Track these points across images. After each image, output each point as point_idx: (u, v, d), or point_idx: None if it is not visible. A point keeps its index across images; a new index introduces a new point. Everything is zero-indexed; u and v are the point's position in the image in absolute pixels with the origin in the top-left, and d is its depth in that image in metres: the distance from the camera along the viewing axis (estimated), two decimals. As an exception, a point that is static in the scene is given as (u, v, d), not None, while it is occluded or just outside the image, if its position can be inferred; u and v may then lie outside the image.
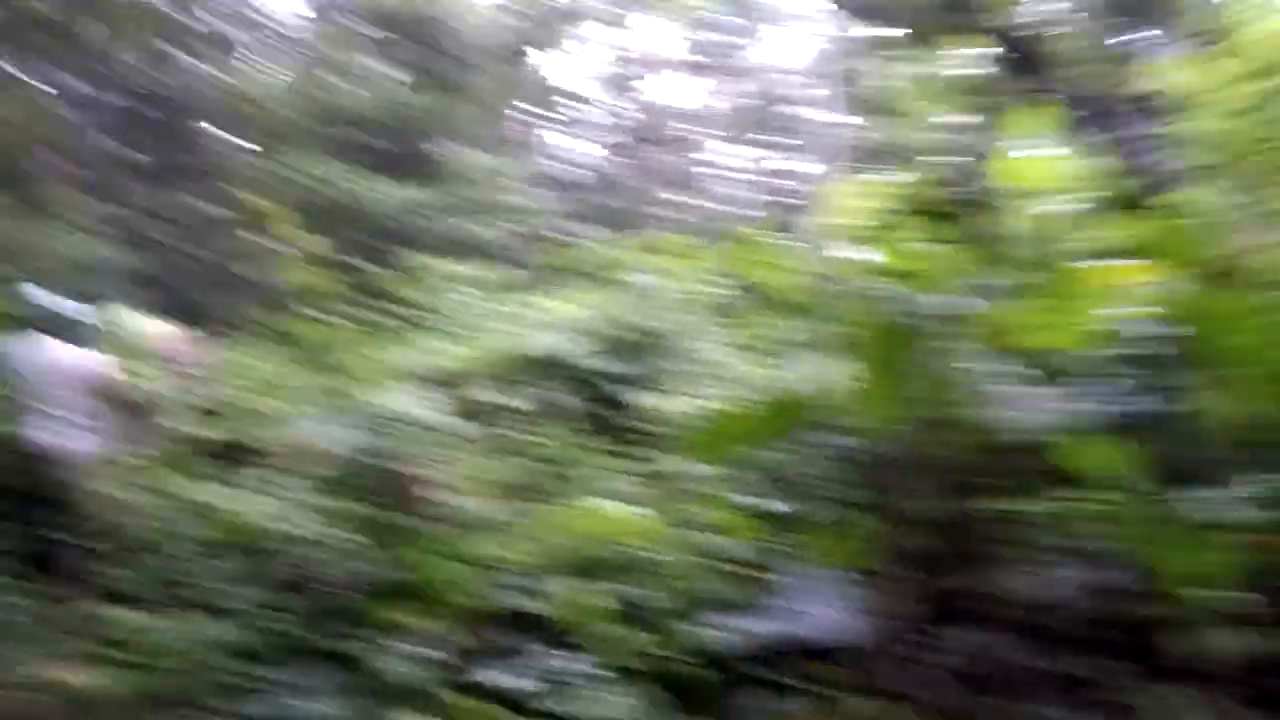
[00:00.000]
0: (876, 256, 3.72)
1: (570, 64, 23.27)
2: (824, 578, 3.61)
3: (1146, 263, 3.28)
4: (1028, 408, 3.07)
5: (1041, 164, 3.98)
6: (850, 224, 4.29)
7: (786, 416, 3.52)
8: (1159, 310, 3.17)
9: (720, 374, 5.95)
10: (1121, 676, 3.04)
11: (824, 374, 3.68)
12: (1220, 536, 2.85)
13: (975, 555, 3.29)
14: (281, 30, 18.73)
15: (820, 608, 3.57)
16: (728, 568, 4.01)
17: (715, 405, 4.81)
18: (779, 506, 3.79)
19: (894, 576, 3.41)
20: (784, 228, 7.91)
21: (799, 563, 3.70)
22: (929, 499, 3.30)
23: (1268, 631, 2.83)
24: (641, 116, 24.57)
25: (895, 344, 3.34)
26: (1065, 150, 4.11)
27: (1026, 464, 3.11)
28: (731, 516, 4.02)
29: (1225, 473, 3.01)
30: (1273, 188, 3.74)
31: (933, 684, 3.22)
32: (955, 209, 4.13)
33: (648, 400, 5.99)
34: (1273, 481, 2.91)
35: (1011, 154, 4.01)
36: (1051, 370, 3.22)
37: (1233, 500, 2.90)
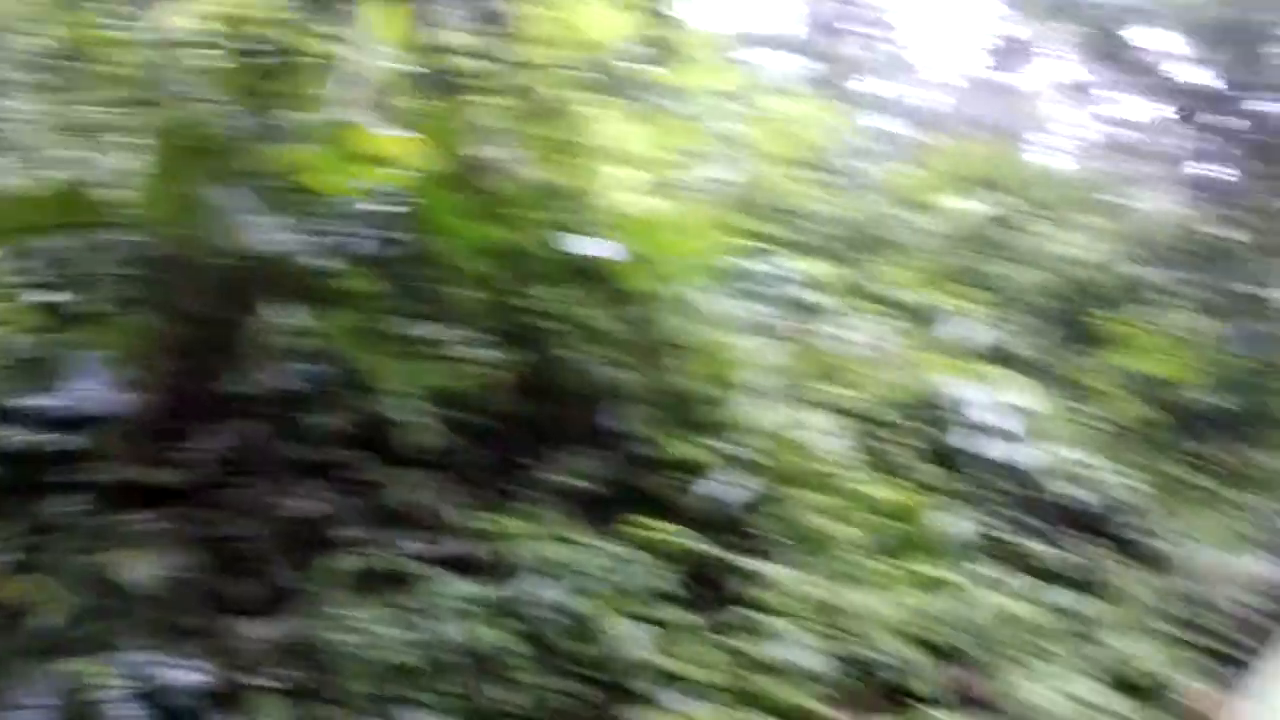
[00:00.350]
0: (213, 63, 3.85)
1: None
2: (102, 365, 3.64)
3: (414, 143, 3.89)
4: (286, 234, 3.48)
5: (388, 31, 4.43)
6: (204, 25, 4.27)
7: (77, 208, 3.47)
8: (411, 181, 3.84)
9: (19, 147, 5.12)
10: (363, 462, 3.64)
11: (125, 166, 3.69)
12: (438, 361, 3.67)
13: (235, 353, 3.63)
14: None
15: (98, 392, 3.60)
16: (10, 359, 3.85)
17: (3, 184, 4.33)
18: (63, 297, 3.73)
19: (164, 367, 3.63)
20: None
21: (80, 351, 3.70)
22: (201, 300, 3.55)
23: (470, 433, 3.72)
24: None
25: (193, 152, 3.45)
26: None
27: (285, 280, 3.54)
28: (12, 307, 3.81)
29: (453, 314, 3.85)
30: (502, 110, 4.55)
31: (196, 464, 3.49)
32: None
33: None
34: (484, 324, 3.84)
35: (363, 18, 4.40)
36: (319, 208, 3.65)
37: (452, 334, 3.73)
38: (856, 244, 7.81)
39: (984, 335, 6.48)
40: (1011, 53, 16.11)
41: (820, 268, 6.09)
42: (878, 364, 5.41)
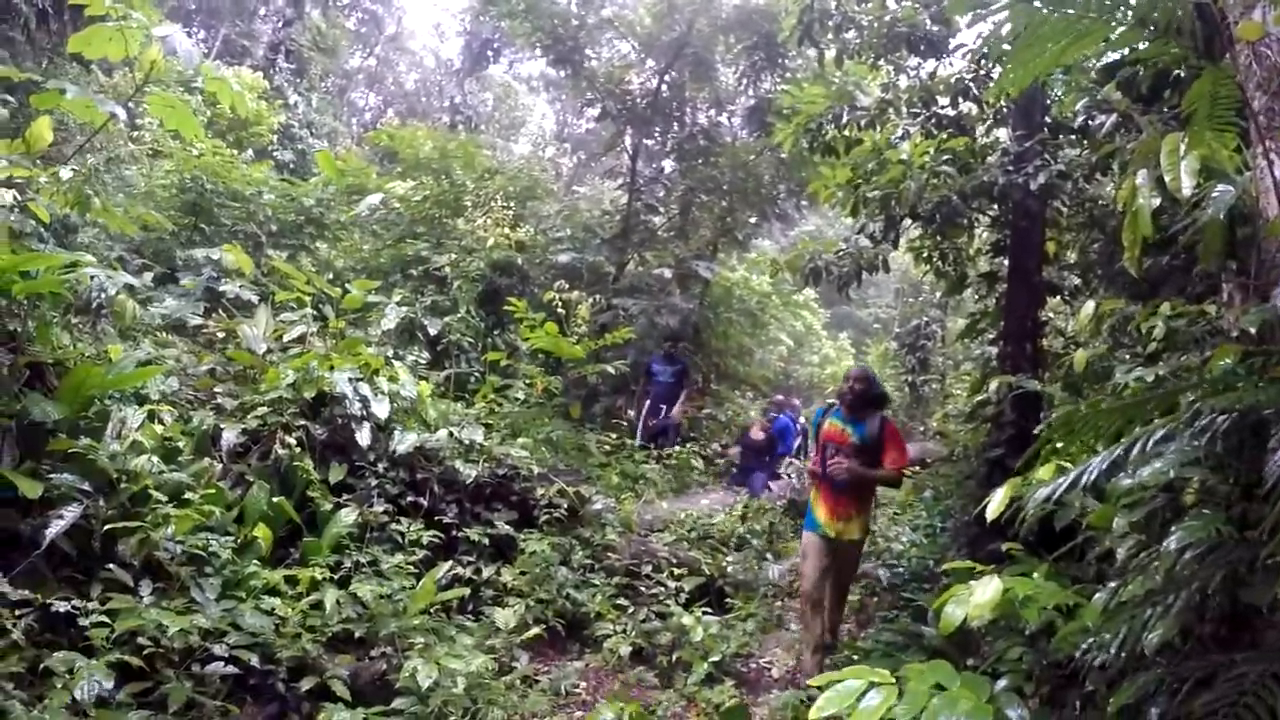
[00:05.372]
0: None
1: None
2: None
3: None
4: None
5: None
6: None
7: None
8: None
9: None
10: None
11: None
12: None
13: None
14: None
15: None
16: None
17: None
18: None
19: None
20: None
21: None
22: None
23: None
24: None
25: None
26: None
27: None
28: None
29: None
30: None
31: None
32: None
33: None
34: None
35: None
36: None
37: None
38: (292, 229, 7.54)
39: (402, 321, 6.50)
40: (480, 46, 16.62)
41: (245, 257, 5.79)
42: (284, 358, 5.17)
